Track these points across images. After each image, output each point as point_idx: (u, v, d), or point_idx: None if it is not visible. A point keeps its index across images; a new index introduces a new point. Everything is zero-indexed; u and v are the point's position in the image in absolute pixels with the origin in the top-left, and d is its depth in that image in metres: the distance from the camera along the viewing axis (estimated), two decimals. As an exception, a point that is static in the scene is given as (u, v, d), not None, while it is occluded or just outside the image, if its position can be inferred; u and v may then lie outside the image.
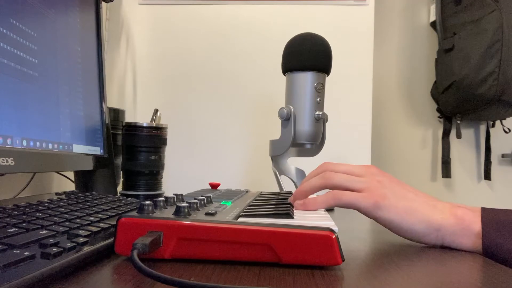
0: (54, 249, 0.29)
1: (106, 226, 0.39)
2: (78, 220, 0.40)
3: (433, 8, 1.48)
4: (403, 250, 0.42)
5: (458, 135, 1.47)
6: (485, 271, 0.36)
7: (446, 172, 1.50)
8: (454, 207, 0.44)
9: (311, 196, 0.49)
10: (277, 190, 0.81)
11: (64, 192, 0.60)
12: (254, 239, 0.33)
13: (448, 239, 0.43)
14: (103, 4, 0.81)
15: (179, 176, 1.16)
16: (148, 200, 0.37)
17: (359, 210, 0.44)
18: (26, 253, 0.27)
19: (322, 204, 0.45)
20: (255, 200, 0.54)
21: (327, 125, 0.79)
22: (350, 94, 1.21)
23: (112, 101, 1.12)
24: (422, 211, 0.43)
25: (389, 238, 0.49)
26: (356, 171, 0.47)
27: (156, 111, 0.84)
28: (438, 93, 1.46)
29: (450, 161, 1.51)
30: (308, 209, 0.45)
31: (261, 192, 0.70)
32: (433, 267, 0.36)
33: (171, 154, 0.89)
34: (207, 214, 0.37)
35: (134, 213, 0.35)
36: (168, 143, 0.83)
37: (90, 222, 0.40)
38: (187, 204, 0.36)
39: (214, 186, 0.74)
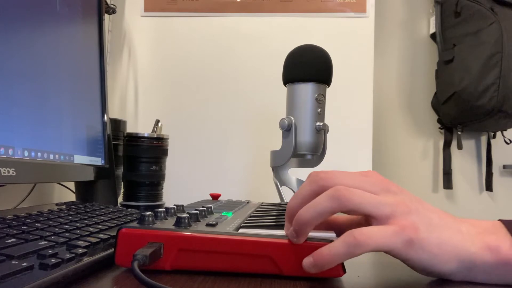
0: (53, 260, 0.29)
1: (105, 237, 0.39)
2: (78, 231, 0.39)
3: (433, 20, 1.49)
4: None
5: (459, 146, 1.47)
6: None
7: (448, 183, 1.49)
8: (485, 233, 0.34)
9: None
10: (278, 201, 0.81)
11: (65, 203, 0.59)
12: (255, 251, 0.33)
13: (480, 277, 0.33)
14: (106, 15, 0.82)
15: (180, 186, 1.16)
16: (149, 211, 0.37)
17: (389, 253, 0.32)
18: (24, 264, 0.27)
19: (341, 256, 0.31)
20: (256, 211, 0.54)
21: (328, 135, 0.79)
22: (350, 105, 1.21)
23: (113, 112, 1.12)
24: (452, 243, 0.33)
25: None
26: (367, 186, 0.35)
27: (157, 121, 0.84)
28: (439, 104, 1.47)
29: (451, 172, 1.50)
30: (324, 269, 0.32)
31: (262, 203, 0.70)
32: (439, 280, 0.35)
33: (172, 165, 0.89)
34: (208, 225, 0.36)
35: (135, 224, 0.35)
36: (169, 153, 0.83)
37: (89, 233, 0.39)
38: (188, 215, 0.36)
39: (215, 197, 0.74)
